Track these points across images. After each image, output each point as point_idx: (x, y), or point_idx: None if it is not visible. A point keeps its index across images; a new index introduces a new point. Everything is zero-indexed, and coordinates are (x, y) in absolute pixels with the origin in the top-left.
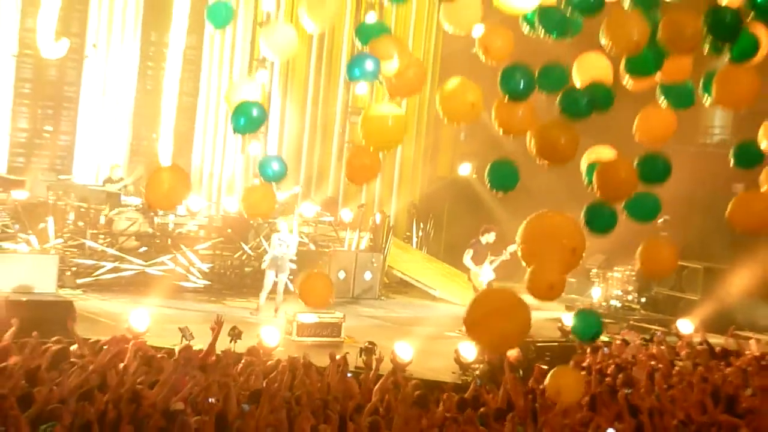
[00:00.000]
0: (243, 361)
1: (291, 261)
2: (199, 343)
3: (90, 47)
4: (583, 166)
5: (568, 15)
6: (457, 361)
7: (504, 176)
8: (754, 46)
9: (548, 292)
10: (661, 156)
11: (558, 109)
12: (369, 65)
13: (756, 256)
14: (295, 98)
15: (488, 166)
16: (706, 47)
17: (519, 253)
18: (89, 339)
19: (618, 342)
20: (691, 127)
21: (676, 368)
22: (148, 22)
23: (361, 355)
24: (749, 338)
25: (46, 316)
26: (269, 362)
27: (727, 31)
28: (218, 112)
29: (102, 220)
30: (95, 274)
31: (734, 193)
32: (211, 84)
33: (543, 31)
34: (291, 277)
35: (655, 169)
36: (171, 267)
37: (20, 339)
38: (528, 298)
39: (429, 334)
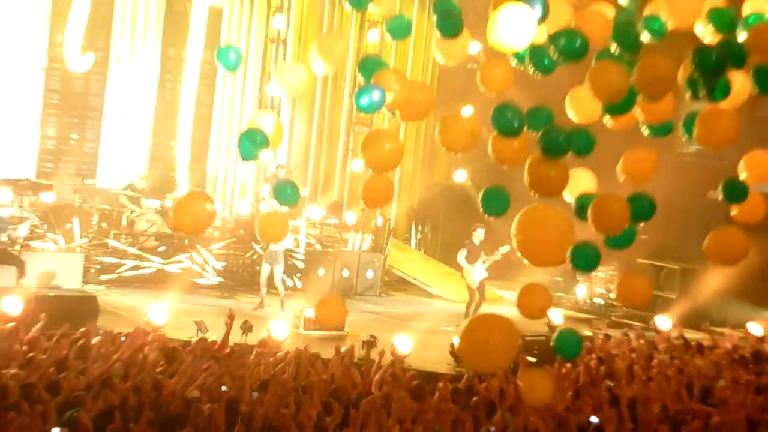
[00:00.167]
0: (254, 352)
1: (297, 259)
2: (213, 335)
3: (114, 61)
4: (568, 196)
5: (554, 59)
6: (452, 353)
7: (496, 202)
8: (727, 88)
9: (539, 313)
10: (646, 196)
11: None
12: (375, 95)
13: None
14: (303, 109)
15: (482, 193)
16: (687, 90)
17: (514, 244)
18: (112, 331)
19: (600, 337)
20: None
21: (655, 361)
22: (167, 38)
23: (363, 348)
24: (722, 334)
25: (71, 310)
26: (278, 354)
27: (713, 68)
28: (231, 122)
29: (124, 221)
30: (117, 271)
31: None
32: (225, 96)
33: (532, 69)
34: (298, 275)
35: (641, 208)
36: (187, 265)
37: (48, 331)
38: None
39: (426, 328)
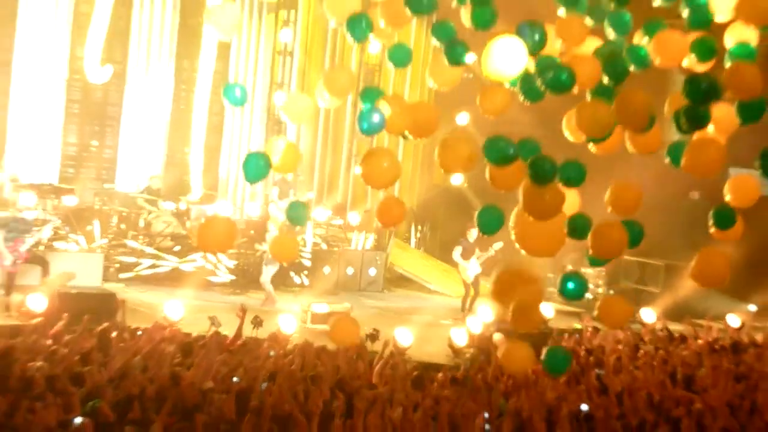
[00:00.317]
0: (265, 345)
1: (305, 258)
2: (226, 330)
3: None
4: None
5: (542, 90)
6: (450, 345)
7: (491, 221)
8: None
9: (537, 325)
10: (636, 223)
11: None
12: (375, 119)
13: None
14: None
15: (477, 212)
16: (673, 123)
17: (512, 236)
18: (131, 326)
19: (589, 330)
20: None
21: (641, 352)
22: (181, 50)
23: (366, 340)
24: (703, 326)
25: (92, 307)
26: (287, 346)
27: (704, 96)
28: (242, 129)
29: (141, 222)
30: (135, 269)
31: (691, 199)
32: (234, 109)
33: (522, 97)
34: (305, 272)
35: (633, 234)
36: (201, 264)
37: (71, 326)
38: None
39: (425, 322)
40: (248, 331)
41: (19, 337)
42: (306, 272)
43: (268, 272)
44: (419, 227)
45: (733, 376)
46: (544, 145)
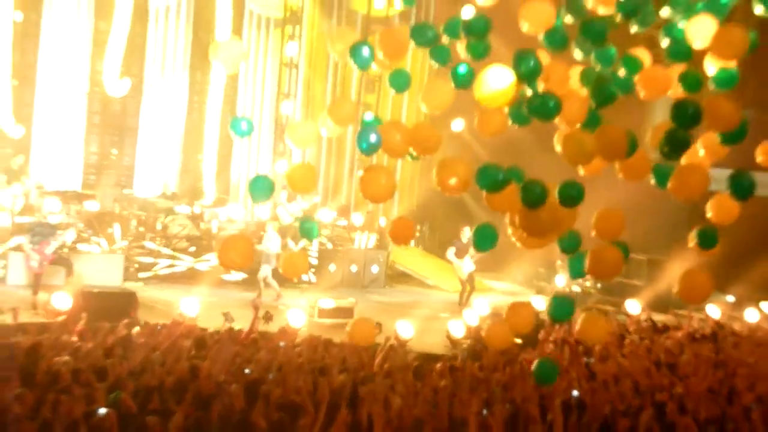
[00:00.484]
0: (276, 338)
1: (312, 257)
2: (239, 325)
3: (148, 85)
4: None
5: (527, 115)
6: (448, 337)
7: (486, 238)
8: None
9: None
10: (623, 243)
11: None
12: (373, 138)
13: (690, 249)
14: None
15: (474, 229)
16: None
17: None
18: (149, 322)
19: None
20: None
21: (627, 341)
22: (194, 64)
23: None
24: (685, 316)
25: (113, 304)
26: (296, 339)
27: (690, 121)
28: (251, 137)
29: (158, 225)
30: (153, 269)
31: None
32: (245, 114)
33: (510, 121)
34: (312, 270)
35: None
36: (215, 263)
37: (93, 323)
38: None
39: (425, 315)
40: (259, 325)
41: (45, 334)
42: (313, 270)
43: (265, 270)
44: (419, 227)
45: (713, 364)
46: (541, 157)
